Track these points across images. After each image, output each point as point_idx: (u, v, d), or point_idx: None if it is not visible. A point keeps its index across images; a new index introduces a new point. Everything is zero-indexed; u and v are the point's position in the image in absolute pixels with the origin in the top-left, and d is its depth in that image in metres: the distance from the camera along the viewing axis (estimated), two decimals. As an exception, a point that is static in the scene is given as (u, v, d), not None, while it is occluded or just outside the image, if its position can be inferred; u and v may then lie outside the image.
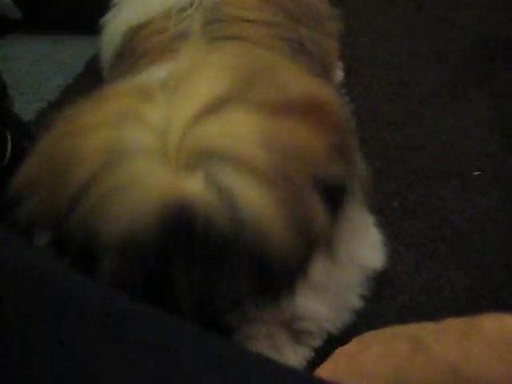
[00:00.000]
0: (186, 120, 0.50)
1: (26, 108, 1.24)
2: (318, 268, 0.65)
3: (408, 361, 0.50)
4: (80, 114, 0.55)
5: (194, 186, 0.48)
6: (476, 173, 1.02)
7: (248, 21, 0.76)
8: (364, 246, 0.82)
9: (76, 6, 1.43)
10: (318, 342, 0.76)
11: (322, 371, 0.53)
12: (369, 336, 0.55)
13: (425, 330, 0.52)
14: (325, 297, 0.75)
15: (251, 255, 0.50)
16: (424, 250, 0.90)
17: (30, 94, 1.30)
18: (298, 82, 0.60)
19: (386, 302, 0.84)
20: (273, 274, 0.52)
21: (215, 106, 0.51)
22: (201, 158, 0.49)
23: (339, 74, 1.22)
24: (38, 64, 1.40)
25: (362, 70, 1.28)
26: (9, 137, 1.01)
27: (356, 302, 0.79)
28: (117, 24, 0.92)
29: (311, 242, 0.55)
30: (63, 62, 1.39)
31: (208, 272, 0.52)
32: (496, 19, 1.43)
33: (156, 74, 0.60)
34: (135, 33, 0.82)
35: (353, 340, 0.56)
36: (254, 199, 0.49)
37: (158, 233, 0.48)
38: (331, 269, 0.72)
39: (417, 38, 1.39)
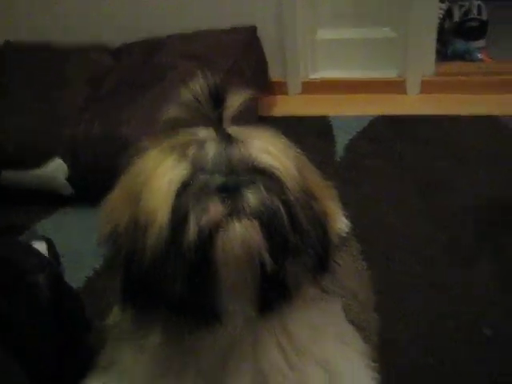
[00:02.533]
0: None
1: (75, 276, 1.37)
2: None
3: None
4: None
5: None
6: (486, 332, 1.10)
7: None
8: None
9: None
10: None
11: None
12: None
13: None
14: None
15: None
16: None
17: (79, 263, 1.44)
18: None
19: None
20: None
21: None
22: None
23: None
24: (86, 235, 1.56)
25: (379, 238, 1.41)
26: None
27: None
28: None
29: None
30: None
31: None
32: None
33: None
34: None
35: None
36: None
37: None
38: None
39: (428, 205, 1.53)
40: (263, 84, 2.17)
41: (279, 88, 2.26)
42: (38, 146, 1.65)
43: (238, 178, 0.74)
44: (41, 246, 1.38)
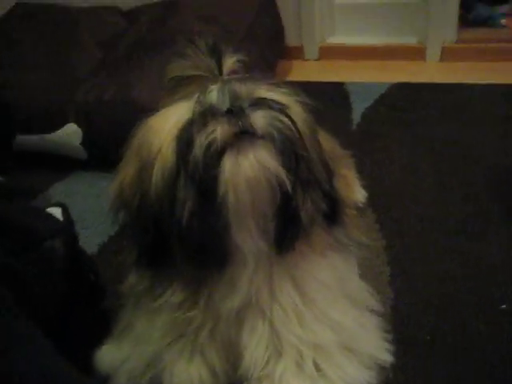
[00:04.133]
0: None
1: (88, 242, 1.37)
2: None
3: None
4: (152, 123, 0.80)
5: None
6: (502, 306, 1.09)
7: None
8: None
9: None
10: None
11: None
12: None
13: None
14: None
15: None
16: (457, 384, 0.95)
17: (93, 229, 1.44)
18: None
19: None
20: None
21: None
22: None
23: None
24: (100, 200, 1.55)
25: (393, 206, 1.39)
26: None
27: None
28: None
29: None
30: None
31: None
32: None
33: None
34: None
35: None
36: None
37: None
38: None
39: (442, 173, 1.50)
40: (279, 49, 2.13)
41: (296, 53, 2.22)
42: (51, 111, 1.64)
43: (243, 103, 0.74)
44: (55, 211, 1.38)
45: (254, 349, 0.87)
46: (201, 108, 0.75)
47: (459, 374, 0.97)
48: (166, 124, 0.77)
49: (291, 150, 0.75)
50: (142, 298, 0.93)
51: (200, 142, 0.72)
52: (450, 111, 1.79)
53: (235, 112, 0.73)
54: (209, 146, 0.72)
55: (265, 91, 0.79)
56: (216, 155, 0.72)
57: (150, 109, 1.56)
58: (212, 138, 0.72)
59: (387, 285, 1.15)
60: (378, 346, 0.97)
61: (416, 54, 2.11)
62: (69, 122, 1.62)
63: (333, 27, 2.22)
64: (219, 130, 0.72)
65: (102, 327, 1.13)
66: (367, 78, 2.02)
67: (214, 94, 0.76)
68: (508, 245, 1.24)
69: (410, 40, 2.14)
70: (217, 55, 0.83)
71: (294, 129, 0.76)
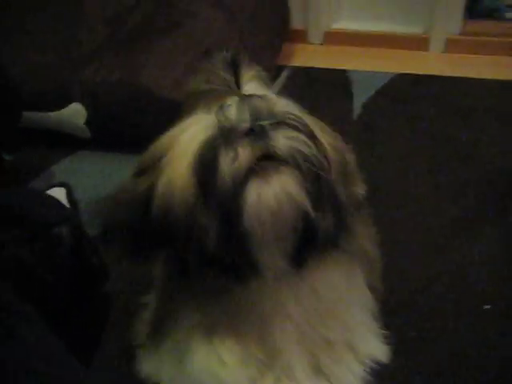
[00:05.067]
0: None
1: (91, 222, 1.41)
2: None
3: None
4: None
5: None
6: (486, 307, 1.14)
7: None
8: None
9: (135, 129, 1.63)
10: None
11: None
12: None
13: None
14: None
15: None
16: (438, 381, 1.01)
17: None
18: None
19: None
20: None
21: None
22: None
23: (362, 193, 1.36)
24: (103, 180, 1.59)
25: (388, 202, 1.43)
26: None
27: None
28: None
29: None
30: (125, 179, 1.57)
31: None
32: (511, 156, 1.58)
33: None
34: None
35: None
36: None
37: None
38: None
39: (438, 170, 1.54)
40: (285, 32, 2.13)
41: (299, 36, 2.22)
42: (57, 90, 1.65)
43: (263, 122, 0.74)
44: (60, 192, 1.41)
45: (291, 349, 0.90)
46: (220, 126, 0.75)
47: (440, 367, 1.03)
48: (183, 139, 0.78)
49: (315, 175, 0.75)
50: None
51: (225, 168, 0.72)
52: (450, 105, 1.81)
53: (257, 132, 0.73)
54: (234, 174, 0.71)
55: (283, 104, 0.80)
56: (240, 183, 0.72)
57: (157, 93, 1.55)
58: (237, 165, 0.71)
59: (379, 280, 1.19)
60: (377, 347, 1.01)
61: (420, 43, 2.12)
62: (74, 102, 1.64)
63: (339, 12, 2.22)
64: (242, 155, 0.72)
65: (104, 310, 1.19)
66: (370, 66, 2.03)
67: (234, 110, 0.76)
68: (493, 245, 1.29)
69: (416, 29, 2.14)
70: (234, 69, 0.85)
71: (318, 152, 0.76)
